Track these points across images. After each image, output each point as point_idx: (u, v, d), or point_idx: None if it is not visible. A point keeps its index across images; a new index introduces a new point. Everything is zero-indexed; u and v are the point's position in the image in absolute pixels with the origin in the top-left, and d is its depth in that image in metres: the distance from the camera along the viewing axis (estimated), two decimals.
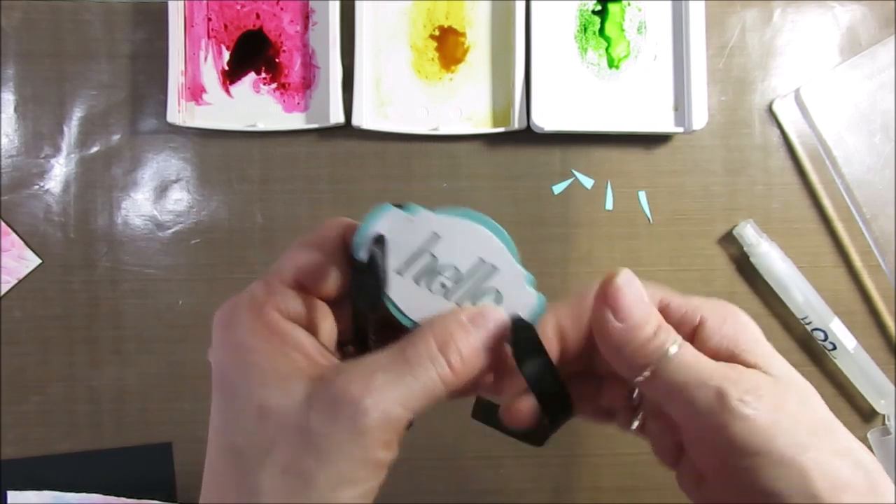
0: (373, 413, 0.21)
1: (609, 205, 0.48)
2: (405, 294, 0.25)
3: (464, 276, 0.25)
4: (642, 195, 0.48)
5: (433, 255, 0.25)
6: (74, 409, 0.48)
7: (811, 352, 0.49)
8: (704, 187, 0.49)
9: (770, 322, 0.49)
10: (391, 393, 0.22)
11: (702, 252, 0.49)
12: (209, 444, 0.24)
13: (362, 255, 0.24)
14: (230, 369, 0.23)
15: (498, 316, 0.25)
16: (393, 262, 0.25)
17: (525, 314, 0.26)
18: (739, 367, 0.25)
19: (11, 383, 0.47)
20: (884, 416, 0.49)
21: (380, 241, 0.24)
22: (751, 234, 0.47)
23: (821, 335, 0.47)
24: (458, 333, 0.23)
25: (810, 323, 0.47)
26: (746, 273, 0.48)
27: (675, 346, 0.24)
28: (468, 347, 0.23)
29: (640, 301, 0.25)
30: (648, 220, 0.48)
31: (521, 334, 0.25)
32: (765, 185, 0.49)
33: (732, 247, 0.49)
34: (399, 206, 0.24)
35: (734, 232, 0.48)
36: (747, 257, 0.48)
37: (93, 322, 0.48)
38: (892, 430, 0.48)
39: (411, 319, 0.25)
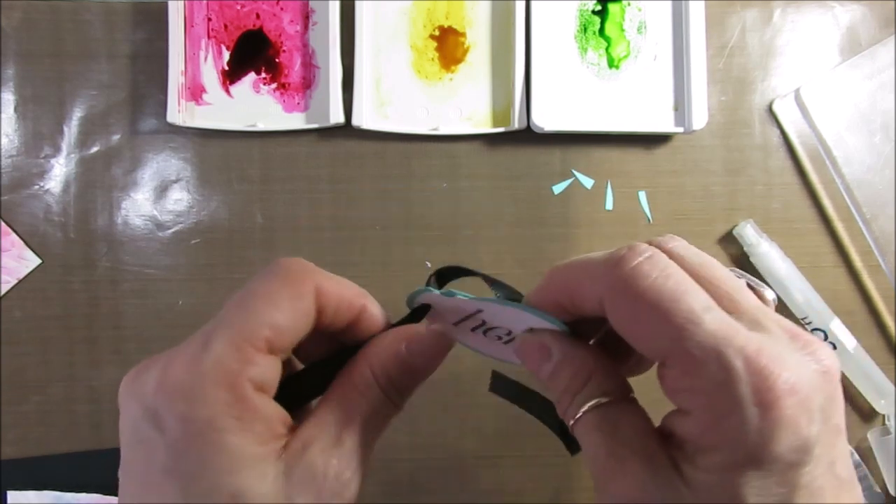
0: (353, 483, 0.22)
1: (609, 205, 0.48)
2: (465, 335, 0.27)
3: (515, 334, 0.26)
4: (642, 195, 0.48)
5: (483, 321, 0.26)
6: (74, 409, 0.48)
7: None
8: (704, 187, 0.49)
9: None
10: (360, 455, 0.22)
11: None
12: None
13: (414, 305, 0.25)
14: (192, 450, 0.20)
15: (436, 335, 0.25)
16: (445, 319, 0.26)
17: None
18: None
19: (11, 383, 0.47)
20: (884, 416, 0.49)
21: (426, 308, 0.26)
22: (751, 234, 0.47)
23: (821, 335, 0.47)
24: (394, 365, 0.24)
25: (810, 323, 0.47)
26: (746, 273, 0.48)
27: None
28: (409, 379, 0.24)
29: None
30: (648, 220, 0.48)
31: (499, 385, 0.26)
32: (765, 185, 0.49)
33: (732, 247, 0.49)
34: (442, 291, 0.25)
35: (734, 232, 0.48)
36: (747, 257, 0.48)
37: (93, 322, 0.48)
38: (892, 430, 0.48)
39: (472, 347, 0.27)
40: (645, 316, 0.21)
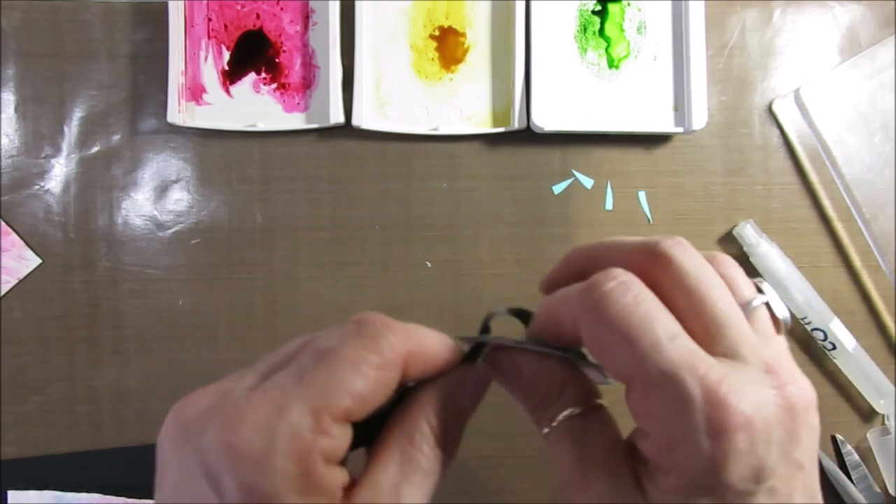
0: None
1: (609, 205, 0.48)
2: None
3: None
4: (642, 195, 0.48)
5: None
6: (74, 409, 0.48)
7: (811, 352, 0.49)
8: (704, 187, 0.49)
9: None
10: None
11: (701, 252, 0.49)
12: None
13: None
14: None
15: (478, 375, 0.24)
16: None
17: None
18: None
19: (11, 383, 0.47)
20: (884, 416, 0.49)
21: (480, 346, 0.25)
22: (750, 234, 0.47)
23: (820, 335, 0.47)
24: (451, 414, 0.23)
25: (810, 323, 0.47)
26: (746, 273, 0.48)
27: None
28: (461, 424, 0.24)
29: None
30: (648, 220, 0.48)
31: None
32: (765, 185, 0.49)
33: (732, 247, 0.49)
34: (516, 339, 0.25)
35: (734, 232, 0.48)
36: (747, 257, 0.48)
37: (93, 322, 0.48)
38: (892, 430, 0.48)
39: None
40: (612, 340, 0.21)
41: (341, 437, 0.20)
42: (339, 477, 0.20)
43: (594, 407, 0.24)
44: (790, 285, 0.47)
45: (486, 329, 0.26)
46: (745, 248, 0.47)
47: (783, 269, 0.47)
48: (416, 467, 0.21)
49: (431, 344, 0.23)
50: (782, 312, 0.25)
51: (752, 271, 0.48)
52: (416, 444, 0.22)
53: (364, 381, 0.20)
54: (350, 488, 0.21)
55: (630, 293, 0.21)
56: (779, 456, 0.20)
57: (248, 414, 0.19)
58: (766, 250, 0.47)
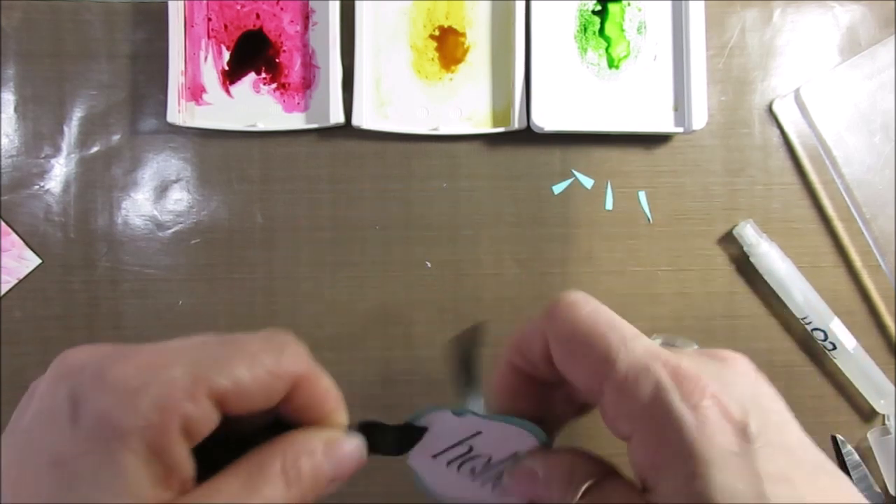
0: None
1: (609, 205, 0.48)
2: (434, 471, 0.27)
3: (493, 465, 0.26)
4: (642, 195, 0.48)
5: (471, 447, 0.26)
6: None
7: (811, 352, 0.49)
8: (704, 187, 0.49)
9: (770, 322, 0.49)
10: None
11: (702, 252, 0.49)
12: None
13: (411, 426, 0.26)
14: (90, 456, 0.19)
15: (352, 450, 0.24)
16: (432, 447, 0.26)
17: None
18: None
19: (11, 383, 0.47)
20: (884, 416, 0.49)
21: (423, 431, 0.26)
22: (750, 234, 0.47)
23: (821, 335, 0.47)
24: (305, 461, 0.22)
25: (810, 323, 0.47)
26: (746, 273, 0.48)
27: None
28: (318, 474, 0.23)
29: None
30: (648, 220, 0.48)
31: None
32: (765, 185, 0.49)
33: (732, 247, 0.49)
34: (454, 409, 0.26)
35: (734, 232, 0.48)
36: (747, 257, 0.48)
37: (93, 322, 0.48)
38: (892, 430, 0.48)
39: (434, 492, 0.27)
40: (582, 345, 0.23)
41: (207, 414, 0.20)
42: (185, 460, 0.20)
43: (608, 472, 0.24)
44: (790, 285, 0.47)
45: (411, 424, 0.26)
46: (745, 248, 0.47)
47: (783, 269, 0.47)
48: (256, 494, 0.21)
49: (324, 387, 0.23)
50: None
51: (752, 271, 0.48)
52: (264, 476, 0.22)
53: (251, 375, 0.21)
54: (188, 488, 0.21)
55: (592, 302, 0.24)
56: (758, 411, 0.21)
57: (134, 356, 0.20)
58: (766, 250, 0.47)
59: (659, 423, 0.21)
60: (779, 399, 0.23)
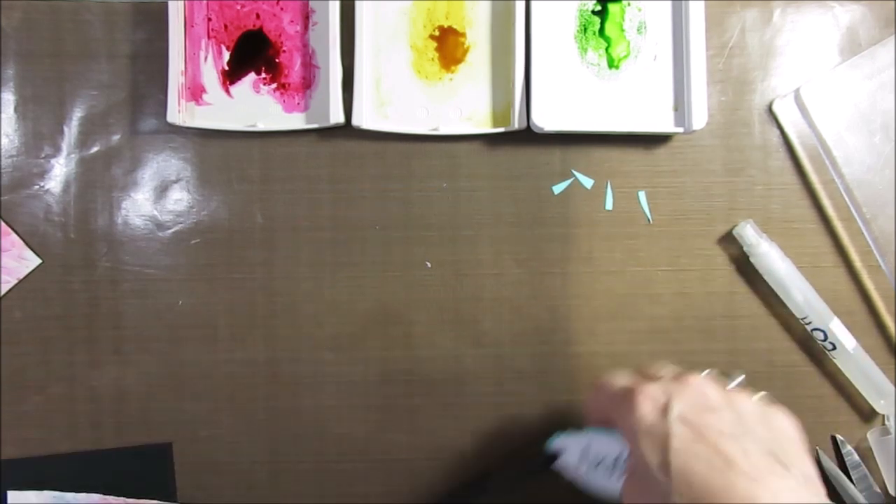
0: None
1: (609, 205, 0.48)
2: (587, 479, 0.39)
3: (615, 463, 0.38)
4: (642, 195, 0.48)
5: (594, 454, 0.39)
6: (74, 409, 0.48)
7: (811, 352, 0.49)
8: (704, 187, 0.49)
9: (770, 322, 0.49)
10: None
11: (702, 252, 0.49)
12: None
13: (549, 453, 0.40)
14: None
15: None
16: (571, 463, 0.39)
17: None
18: None
19: (11, 383, 0.47)
20: (884, 416, 0.49)
21: (554, 457, 0.40)
22: (750, 235, 0.47)
23: (820, 335, 0.47)
24: None
25: (810, 323, 0.47)
26: (746, 273, 0.48)
27: None
28: None
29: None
30: (648, 220, 0.48)
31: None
32: (765, 185, 0.49)
33: (732, 247, 0.49)
34: (566, 433, 0.40)
35: (734, 232, 0.48)
36: (747, 257, 0.48)
37: (93, 322, 0.48)
38: (892, 430, 0.48)
39: (597, 492, 0.38)
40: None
41: None
42: None
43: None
44: (790, 285, 0.47)
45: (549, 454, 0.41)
46: (745, 248, 0.47)
47: (783, 269, 0.47)
48: None
49: None
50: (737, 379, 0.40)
51: (752, 271, 0.48)
52: None
53: None
54: None
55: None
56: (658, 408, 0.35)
57: None
58: (766, 250, 0.47)
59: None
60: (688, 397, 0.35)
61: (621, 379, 0.38)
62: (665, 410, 0.34)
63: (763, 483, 0.30)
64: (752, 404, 0.35)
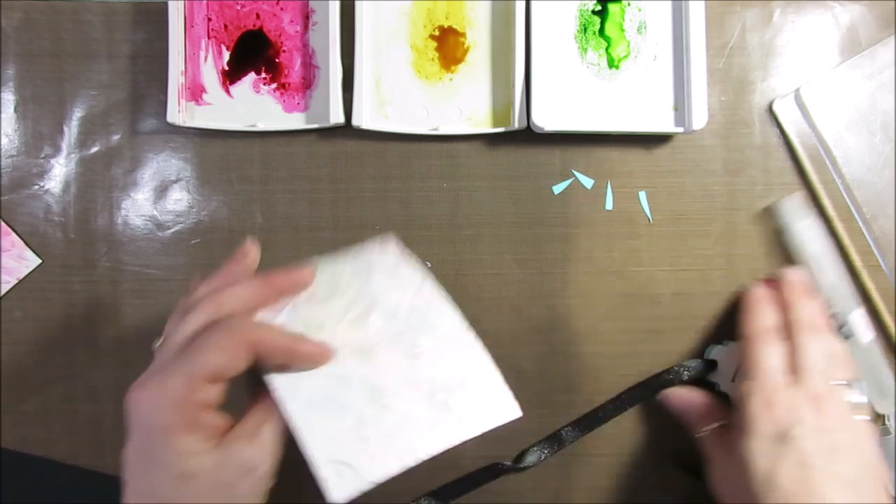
0: (264, 465, 0.33)
1: (609, 205, 0.48)
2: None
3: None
4: (642, 195, 0.48)
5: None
6: (74, 409, 0.48)
7: None
8: (704, 187, 0.49)
9: None
10: (269, 446, 0.34)
11: (702, 252, 0.49)
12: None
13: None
14: (155, 445, 0.31)
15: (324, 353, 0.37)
16: (726, 374, 0.45)
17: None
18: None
19: (11, 383, 0.47)
20: (884, 416, 0.48)
21: (712, 364, 0.46)
22: (798, 208, 0.46)
23: (839, 322, 0.46)
24: None
25: (831, 307, 0.47)
26: (746, 273, 0.48)
27: None
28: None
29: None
30: (648, 219, 0.48)
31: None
32: (765, 185, 0.49)
33: (733, 247, 0.49)
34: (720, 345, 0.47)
35: (776, 204, 0.47)
36: (748, 257, 0.48)
37: (93, 322, 0.48)
38: (892, 430, 0.48)
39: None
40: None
41: (211, 392, 0.32)
42: (216, 418, 0.33)
43: (724, 425, 0.42)
44: (827, 264, 0.47)
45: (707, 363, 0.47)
46: (783, 223, 0.47)
47: (823, 247, 0.47)
48: (271, 412, 0.34)
49: (271, 337, 0.33)
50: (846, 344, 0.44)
51: (782, 251, 0.48)
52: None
53: (221, 359, 0.32)
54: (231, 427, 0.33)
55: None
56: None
57: (152, 382, 0.32)
58: (810, 224, 0.47)
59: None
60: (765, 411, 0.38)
61: (767, 316, 0.42)
62: (786, 435, 0.36)
63: None
64: (872, 449, 0.37)
